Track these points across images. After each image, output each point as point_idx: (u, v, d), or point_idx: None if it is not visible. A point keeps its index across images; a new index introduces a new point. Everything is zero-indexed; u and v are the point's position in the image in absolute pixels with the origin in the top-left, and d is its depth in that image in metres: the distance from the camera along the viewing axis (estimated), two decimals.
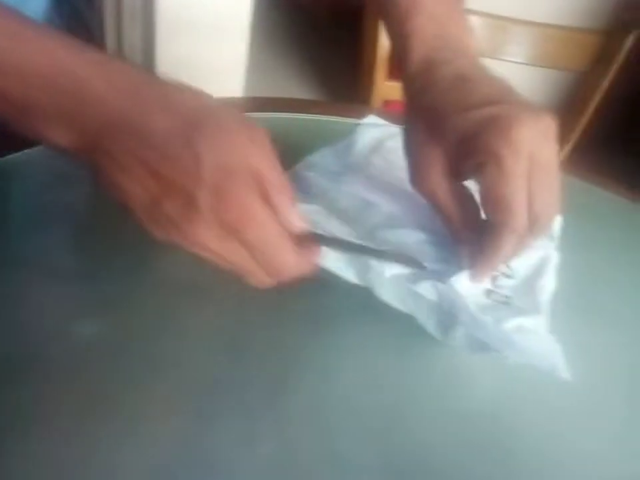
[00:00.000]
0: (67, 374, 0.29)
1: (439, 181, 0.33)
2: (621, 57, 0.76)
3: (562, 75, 0.82)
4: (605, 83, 0.77)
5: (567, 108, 0.80)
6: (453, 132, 0.31)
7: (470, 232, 0.33)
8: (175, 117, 0.26)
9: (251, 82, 0.97)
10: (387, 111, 0.85)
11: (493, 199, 0.30)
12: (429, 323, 0.32)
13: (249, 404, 0.29)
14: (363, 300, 0.33)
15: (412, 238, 0.34)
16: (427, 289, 0.31)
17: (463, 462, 0.29)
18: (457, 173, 0.32)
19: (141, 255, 0.35)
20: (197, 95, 0.27)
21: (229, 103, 0.27)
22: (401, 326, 0.33)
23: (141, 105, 0.26)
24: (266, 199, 0.26)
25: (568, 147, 0.80)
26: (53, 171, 0.40)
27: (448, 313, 0.31)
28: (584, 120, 0.78)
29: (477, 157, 0.30)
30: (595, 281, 0.41)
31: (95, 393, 0.29)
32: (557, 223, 0.38)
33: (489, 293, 0.33)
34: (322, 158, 0.41)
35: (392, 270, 0.32)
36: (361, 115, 0.46)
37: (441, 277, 0.32)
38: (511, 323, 0.31)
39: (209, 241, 0.26)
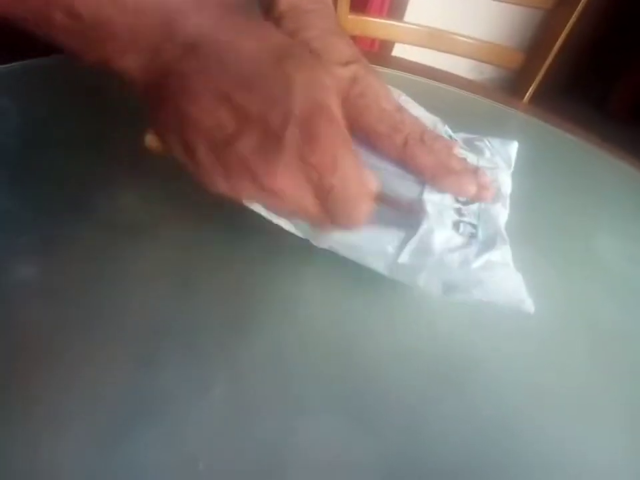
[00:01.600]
0: (4, 320, 0.27)
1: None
2: None
3: (528, 13, 0.81)
4: (569, 23, 0.76)
5: (531, 47, 0.80)
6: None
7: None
8: (264, 41, 0.23)
9: None
10: None
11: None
12: (379, 266, 0.31)
13: (200, 349, 0.28)
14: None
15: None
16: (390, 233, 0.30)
17: (421, 400, 0.29)
18: None
19: (81, 193, 0.34)
20: (276, 34, 0.25)
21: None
22: (361, 269, 0.31)
23: (228, 26, 0.23)
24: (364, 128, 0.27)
25: (532, 88, 0.80)
26: None
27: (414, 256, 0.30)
28: (547, 61, 0.78)
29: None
30: (544, 215, 0.42)
31: (32, 340, 0.27)
32: (514, 149, 0.38)
33: (457, 224, 0.32)
34: None
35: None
36: None
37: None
38: (479, 261, 0.30)
39: (284, 184, 0.23)
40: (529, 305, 0.29)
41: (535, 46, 0.80)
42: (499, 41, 0.86)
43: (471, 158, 0.37)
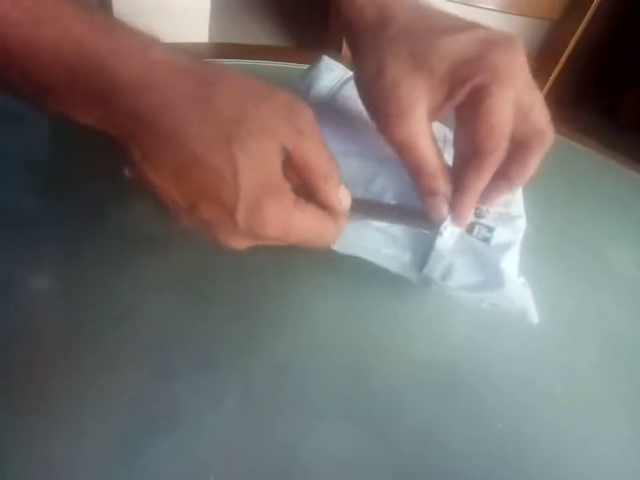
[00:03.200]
0: (19, 328, 0.27)
1: (422, 124, 0.29)
2: (593, 6, 0.75)
3: (534, 24, 0.81)
4: (577, 33, 0.77)
5: (538, 58, 0.80)
6: (447, 57, 0.28)
7: (447, 181, 0.30)
8: (213, 117, 0.23)
9: (216, 27, 0.97)
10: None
11: (490, 124, 0.28)
12: (404, 265, 0.31)
13: (214, 359, 0.28)
14: (331, 253, 0.31)
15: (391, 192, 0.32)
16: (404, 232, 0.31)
17: (434, 408, 0.29)
18: (443, 106, 0.29)
19: (98, 202, 0.34)
20: (238, 85, 0.25)
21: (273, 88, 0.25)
22: (372, 278, 0.32)
23: (176, 101, 0.23)
24: (310, 186, 0.26)
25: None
26: (5, 112, 0.38)
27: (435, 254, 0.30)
28: (555, 71, 0.79)
29: (479, 78, 0.27)
30: (554, 224, 0.41)
31: (46, 349, 0.27)
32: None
33: (471, 226, 0.32)
34: None
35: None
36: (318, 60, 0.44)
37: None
38: (490, 265, 0.30)
39: (244, 247, 0.26)
40: (533, 315, 0.29)
41: (542, 57, 0.80)
42: None
43: None
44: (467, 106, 0.29)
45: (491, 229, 0.32)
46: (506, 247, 0.31)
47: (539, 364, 0.32)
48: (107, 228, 0.33)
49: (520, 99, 0.28)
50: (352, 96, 0.39)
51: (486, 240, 0.31)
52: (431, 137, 0.29)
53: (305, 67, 0.51)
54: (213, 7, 0.96)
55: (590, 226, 0.44)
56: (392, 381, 0.29)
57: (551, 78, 0.79)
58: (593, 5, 0.74)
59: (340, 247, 0.31)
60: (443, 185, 0.30)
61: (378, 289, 0.33)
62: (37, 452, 0.23)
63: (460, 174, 0.30)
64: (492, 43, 0.28)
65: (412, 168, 0.30)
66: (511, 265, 0.31)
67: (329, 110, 0.37)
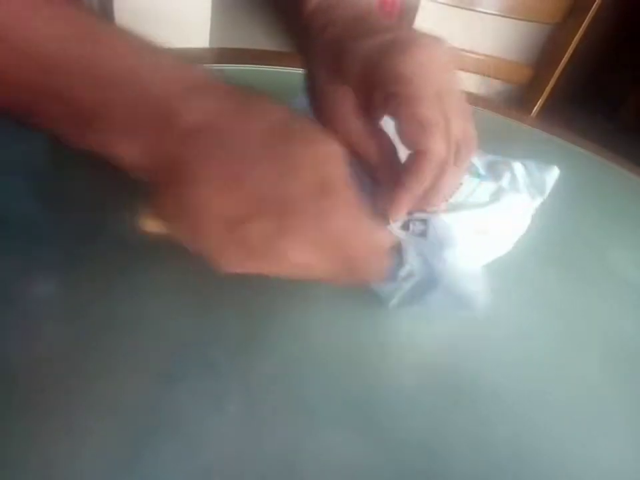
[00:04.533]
0: (20, 334, 0.27)
1: (349, 119, 0.29)
2: (593, 10, 0.75)
3: (535, 28, 0.82)
4: (578, 36, 0.77)
5: (539, 61, 0.80)
6: (356, 62, 0.28)
7: (389, 170, 0.30)
8: (266, 121, 0.24)
9: (217, 32, 0.98)
10: None
11: (409, 123, 0.28)
12: None
13: (215, 364, 0.28)
14: None
15: None
16: None
17: (433, 413, 0.29)
18: (368, 110, 0.29)
19: (100, 210, 0.34)
20: (277, 110, 0.25)
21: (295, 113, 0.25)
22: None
23: (228, 109, 0.24)
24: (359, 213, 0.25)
25: (540, 101, 0.81)
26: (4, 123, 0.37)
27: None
28: (556, 75, 0.79)
29: (385, 84, 0.28)
30: (557, 229, 0.41)
31: (51, 356, 0.27)
32: (552, 175, 0.37)
33: (406, 224, 0.31)
34: None
35: None
36: None
37: None
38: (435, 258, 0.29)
39: (308, 257, 0.24)
40: (476, 305, 0.28)
41: (543, 60, 0.80)
42: (506, 56, 0.86)
43: (485, 186, 0.35)
44: (391, 109, 0.29)
45: (424, 221, 0.31)
46: (447, 236, 0.30)
47: (540, 368, 0.32)
48: (108, 233, 0.33)
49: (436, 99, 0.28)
50: None
51: (423, 234, 0.30)
52: (363, 132, 0.29)
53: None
54: (213, 12, 0.96)
55: (590, 227, 0.44)
56: (393, 387, 0.29)
57: (551, 81, 0.79)
58: (593, 9, 0.74)
59: None
60: (383, 173, 0.30)
61: (377, 296, 0.32)
62: (39, 457, 0.23)
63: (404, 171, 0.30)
64: (393, 46, 0.28)
65: (355, 158, 0.30)
66: (455, 255, 0.30)
67: None
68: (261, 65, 0.56)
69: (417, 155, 0.28)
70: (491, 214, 0.33)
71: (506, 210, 0.34)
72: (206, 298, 0.31)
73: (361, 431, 0.27)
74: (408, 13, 1.29)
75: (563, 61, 0.78)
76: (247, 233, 0.22)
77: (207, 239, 0.23)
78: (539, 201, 0.36)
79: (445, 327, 0.33)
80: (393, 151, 0.30)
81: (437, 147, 0.27)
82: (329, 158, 0.24)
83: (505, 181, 0.36)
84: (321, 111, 0.30)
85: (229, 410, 0.27)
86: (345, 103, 0.29)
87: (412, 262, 0.30)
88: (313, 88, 0.31)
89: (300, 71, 0.55)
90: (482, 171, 0.36)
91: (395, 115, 0.29)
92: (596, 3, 0.73)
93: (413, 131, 0.28)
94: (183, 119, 0.22)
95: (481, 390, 0.31)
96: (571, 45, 0.77)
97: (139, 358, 0.28)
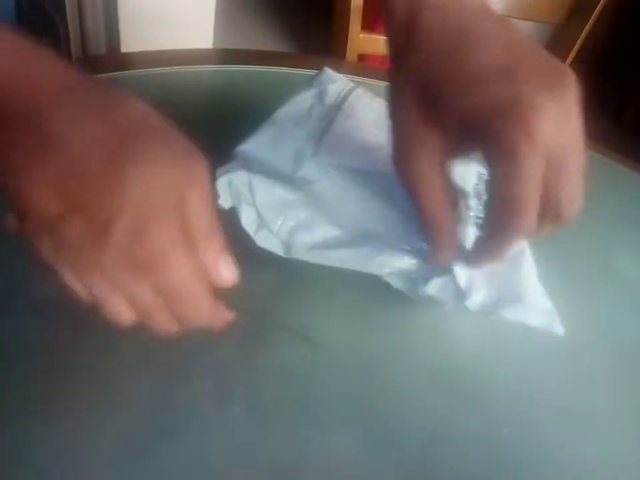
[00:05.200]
0: (24, 336, 0.27)
1: (429, 167, 0.27)
2: (597, 10, 0.75)
3: (537, 28, 0.82)
4: (581, 37, 0.77)
5: None
6: (457, 112, 0.25)
7: (449, 234, 0.29)
8: (106, 126, 0.21)
9: (220, 33, 0.98)
10: (361, 66, 0.85)
11: (503, 198, 0.25)
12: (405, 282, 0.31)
13: (220, 364, 0.28)
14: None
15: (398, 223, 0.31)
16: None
17: (439, 415, 0.29)
18: (454, 155, 0.28)
19: None
20: (142, 109, 0.23)
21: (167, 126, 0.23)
22: (379, 285, 0.32)
23: (74, 105, 0.21)
24: (191, 243, 0.23)
25: None
26: None
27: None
28: None
29: (488, 145, 0.25)
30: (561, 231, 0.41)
31: (54, 356, 0.27)
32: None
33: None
34: (279, 127, 0.36)
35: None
36: (334, 68, 0.43)
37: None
38: (510, 277, 0.30)
39: (112, 273, 0.22)
40: (558, 327, 0.29)
41: None
42: None
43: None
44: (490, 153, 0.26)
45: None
46: (520, 254, 0.31)
47: (544, 369, 0.32)
48: None
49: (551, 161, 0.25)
50: (357, 106, 0.39)
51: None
52: (436, 186, 0.27)
53: (309, 72, 0.51)
54: (217, 14, 0.97)
55: (594, 229, 0.44)
56: (398, 387, 0.30)
57: None
58: (596, 9, 0.74)
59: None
60: (442, 237, 0.29)
61: (384, 295, 0.33)
62: (43, 460, 0.24)
63: (486, 229, 0.28)
64: (525, 106, 0.24)
65: (416, 209, 0.29)
66: (530, 273, 0.31)
67: (334, 122, 0.37)
68: (264, 65, 0.54)
69: (500, 228, 0.27)
70: None
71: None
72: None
73: (365, 431, 0.28)
74: None
75: (566, 61, 0.77)
76: (61, 233, 0.21)
77: (27, 224, 0.22)
78: None
79: (447, 329, 0.34)
80: (451, 209, 0.29)
81: (522, 226, 0.26)
82: (157, 185, 0.22)
83: None
84: (402, 148, 0.28)
85: (232, 411, 0.27)
86: (433, 148, 0.27)
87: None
88: (398, 119, 0.28)
89: (300, 71, 0.56)
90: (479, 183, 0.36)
91: (491, 180, 0.26)
92: (600, 3, 0.73)
93: (503, 207, 0.26)
94: (12, 109, 0.21)
95: (482, 391, 0.31)
96: (574, 46, 0.77)
97: (143, 359, 0.28)
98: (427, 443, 0.28)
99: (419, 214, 0.28)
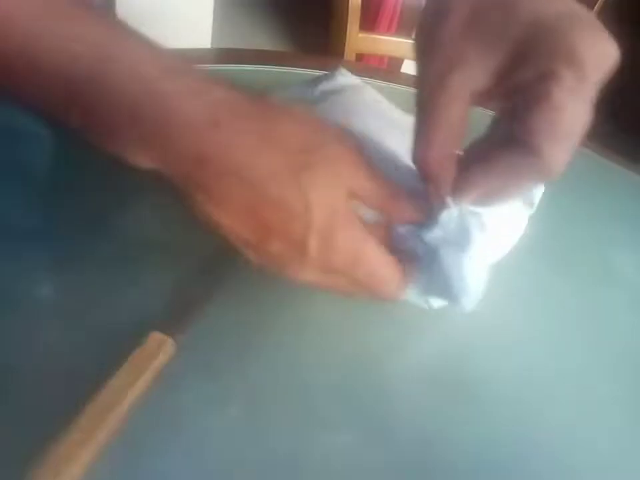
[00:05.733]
0: (23, 336, 0.27)
1: (461, 89, 0.24)
2: (595, 10, 0.75)
3: None
4: None
5: None
6: (517, 23, 0.23)
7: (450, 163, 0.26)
8: (278, 154, 0.23)
9: (219, 33, 0.98)
10: (360, 65, 0.85)
11: (552, 124, 0.22)
12: None
13: (216, 365, 0.28)
14: None
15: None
16: None
17: (436, 411, 0.29)
18: (491, 88, 0.24)
19: (99, 211, 0.34)
20: (299, 120, 0.25)
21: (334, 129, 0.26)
22: None
23: (240, 139, 0.23)
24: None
25: None
26: (5, 126, 0.37)
27: None
28: None
29: (552, 59, 0.22)
30: (557, 229, 0.40)
31: (50, 359, 0.27)
32: (538, 190, 0.34)
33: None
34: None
35: None
36: (332, 67, 0.43)
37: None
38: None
39: (314, 280, 0.25)
40: (467, 303, 0.27)
41: None
42: None
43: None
44: (525, 93, 0.23)
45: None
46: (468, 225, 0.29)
47: (542, 367, 0.33)
48: (109, 237, 0.33)
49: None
50: (368, 102, 0.39)
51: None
52: (459, 110, 0.25)
53: (308, 72, 0.51)
54: (215, 13, 0.97)
55: (591, 228, 0.44)
56: (395, 386, 0.30)
57: None
58: (595, 9, 0.74)
59: None
60: (449, 163, 0.27)
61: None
62: (41, 458, 0.23)
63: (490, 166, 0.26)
64: (580, 22, 0.23)
65: (428, 133, 0.26)
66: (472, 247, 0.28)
67: (344, 113, 0.36)
68: (263, 65, 0.54)
69: (528, 159, 0.24)
70: (490, 215, 0.32)
71: (501, 213, 0.32)
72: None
73: (363, 431, 0.28)
74: None
75: None
76: (262, 252, 0.24)
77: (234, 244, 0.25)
78: (528, 212, 0.34)
79: (446, 328, 0.34)
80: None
81: (553, 161, 0.23)
82: (335, 196, 0.24)
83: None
84: (429, 61, 0.25)
85: (230, 413, 0.27)
86: (463, 68, 0.24)
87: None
88: (425, 30, 0.26)
89: (298, 70, 0.56)
90: None
91: (528, 100, 0.23)
92: (596, 5, 0.73)
93: (541, 126, 0.23)
94: (193, 148, 0.23)
95: (483, 390, 0.31)
96: None
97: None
98: (425, 442, 0.28)
99: (427, 128, 0.26)
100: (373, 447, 0.27)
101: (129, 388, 0.25)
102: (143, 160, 0.23)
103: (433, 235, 0.28)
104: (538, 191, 0.35)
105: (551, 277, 0.37)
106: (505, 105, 0.26)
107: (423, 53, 0.26)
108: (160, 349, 0.27)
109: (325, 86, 0.39)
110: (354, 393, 0.29)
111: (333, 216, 0.24)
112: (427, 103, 0.26)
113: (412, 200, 0.28)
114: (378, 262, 0.26)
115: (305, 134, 0.24)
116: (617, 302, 0.38)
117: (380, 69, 1.11)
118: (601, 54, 0.23)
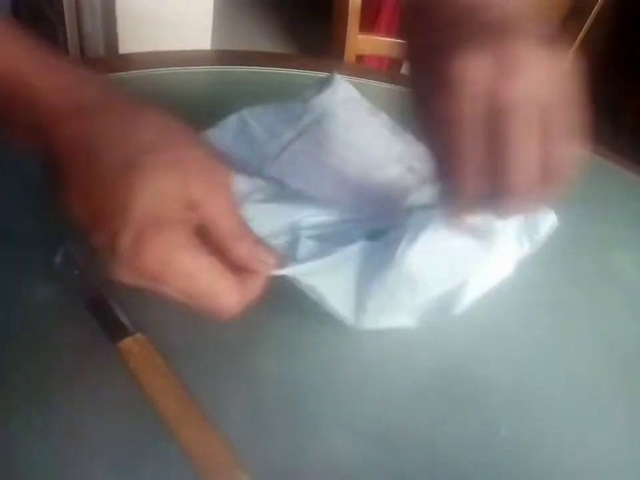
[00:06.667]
0: (22, 339, 0.28)
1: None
2: (594, 11, 0.75)
3: None
4: (579, 38, 0.77)
5: None
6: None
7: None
8: (127, 146, 0.24)
9: (219, 34, 0.98)
10: (360, 67, 0.85)
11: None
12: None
13: (218, 365, 0.28)
14: None
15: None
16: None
17: (436, 416, 0.29)
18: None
19: None
20: (161, 123, 0.25)
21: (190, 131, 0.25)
22: None
23: (97, 126, 0.24)
24: (220, 244, 0.25)
25: None
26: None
27: None
28: None
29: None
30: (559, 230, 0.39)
31: (53, 359, 0.27)
32: (547, 223, 0.34)
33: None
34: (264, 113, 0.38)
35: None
36: (332, 69, 0.44)
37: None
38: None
39: (133, 283, 0.24)
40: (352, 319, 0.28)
41: None
42: None
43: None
44: None
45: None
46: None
47: (542, 370, 0.33)
48: None
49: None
50: (354, 114, 0.39)
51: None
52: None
53: (308, 73, 0.52)
54: (215, 15, 0.97)
55: (592, 229, 0.44)
56: (395, 390, 0.30)
57: None
58: (594, 10, 0.74)
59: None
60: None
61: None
62: (38, 461, 0.24)
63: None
64: (501, 65, 0.25)
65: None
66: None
67: (332, 126, 0.37)
68: (262, 66, 0.54)
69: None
70: (471, 251, 0.31)
71: (488, 251, 0.31)
72: None
73: (363, 433, 0.28)
74: None
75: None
76: (92, 237, 0.24)
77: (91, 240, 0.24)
78: (527, 249, 0.33)
79: (445, 329, 0.34)
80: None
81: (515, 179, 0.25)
82: (161, 200, 0.23)
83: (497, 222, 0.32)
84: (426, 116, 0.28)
85: (231, 414, 0.27)
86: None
87: None
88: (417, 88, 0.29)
89: (298, 72, 0.56)
90: None
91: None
92: (597, 5, 0.73)
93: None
94: (54, 116, 0.24)
95: (481, 392, 0.31)
96: (572, 47, 0.77)
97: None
98: (425, 444, 0.28)
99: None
100: (372, 450, 0.27)
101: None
102: (27, 145, 0.25)
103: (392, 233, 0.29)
104: (544, 227, 0.34)
105: (551, 277, 0.37)
106: None
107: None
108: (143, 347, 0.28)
109: (314, 109, 0.39)
110: (354, 396, 0.29)
111: (153, 221, 0.23)
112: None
113: (258, 245, 0.26)
114: (199, 273, 0.24)
115: (160, 135, 0.24)
116: (618, 302, 0.38)
117: (380, 70, 1.10)
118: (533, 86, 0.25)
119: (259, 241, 0.26)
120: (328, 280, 0.29)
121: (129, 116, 0.25)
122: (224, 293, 0.25)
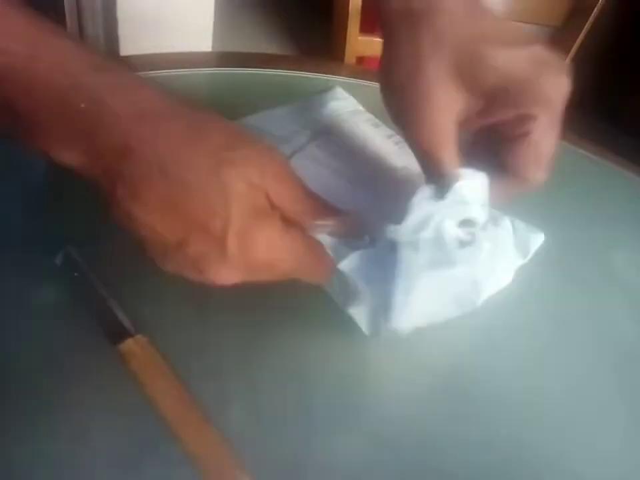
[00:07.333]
0: (24, 341, 0.28)
1: (449, 136, 0.28)
2: (594, 12, 0.75)
3: (535, 30, 0.82)
4: (579, 39, 0.77)
5: None
6: (495, 71, 0.27)
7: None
8: (201, 149, 0.23)
9: (220, 36, 0.98)
10: (361, 69, 0.86)
11: (537, 155, 0.28)
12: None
13: (220, 367, 0.29)
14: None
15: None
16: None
17: (437, 415, 0.29)
18: (474, 121, 0.29)
19: (102, 218, 0.36)
20: (223, 122, 0.25)
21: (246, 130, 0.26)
22: None
23: (164, 133, 0.23)
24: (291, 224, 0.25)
25: None
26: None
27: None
28: None
29: (527, 105, 0.27)
30: (559, 233, 0.39)
31: (54, 361, 0.27)
32: (536, 241, 0.34)
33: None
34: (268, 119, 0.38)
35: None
36: (332, 70, 0.45)
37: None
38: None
39: (235, 281, 0.24)
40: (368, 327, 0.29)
41: None
42: None
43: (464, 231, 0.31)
44: (504, 127, 0.29)
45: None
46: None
47: (543, 370, 0.33)
48: (109, 243, 0.33)
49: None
50: (359, 126, 0.39)
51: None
52: (454, 150, 0.28)
53: (308, 75, 0.52)
54: (216, 16, 0.97)
55: (592, 230, 0.44)
56: (396, 390, 0.30)
57: None
58: (594, 11, 0.74)
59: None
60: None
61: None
62: (40, 463, 0.24)
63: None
64: (545, 66, 0.27)
65: (430, 174, 0.29)
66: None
67: (334, 137, 0.37)
68: (263, 68, 0.54)
69: (514, 180, 0.29)
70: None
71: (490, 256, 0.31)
72: (211, 300, 0.31)
73: (364, 432, 0.28)
74: None
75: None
76: (180, 254, 0.23)
77: (146, 246, 0.24)
78: (519, 263, 0.33)
79: (445, 329, 0.33)
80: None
81: (533, 183, 0.29)
82: (255, 194, 0.24)
83: (489, 232, 0.32)
84: (416, 107, 0.28)
85: (232, 415, 0.27)
86: (455, 109, 0.28)
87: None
88: (402, 80, 0.28)
89: (299, 74, 0.57)
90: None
91: (513, 137, 0.29)
92: (597, 5, 0.73)
93: (526, 158, 0.29)
94: (116, 138, 0.23)
95: (481, 392, 0.31)
96: (572, 48, 0.77)
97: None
98: (426, 443, 0.28)
99: (432, 175, 0.28)
100: (373, 449, 0.27)
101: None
102: (67, 156, 0.23)
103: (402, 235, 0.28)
104: (534, 243, 0.34)
105: (551, 279, 0.37)
106: (477, 138, 0.31)
107: (400, 106, 0.29)
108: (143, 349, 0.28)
109: (314, 123, 0.39)
110: (356, 398, 0.29)
111: (252, 213, 0.23)
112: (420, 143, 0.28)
113: (341, 217, 0.28)
114: (302, 251, 0.25)
115: (227, 133, 0.25)
116: (618, 304, 0.38)
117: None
118: (563, 89, 0.28)
119: (331, 212, 0.27)
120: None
121: (191, 118, 0.24)
122: (324, 265, 0.27)
